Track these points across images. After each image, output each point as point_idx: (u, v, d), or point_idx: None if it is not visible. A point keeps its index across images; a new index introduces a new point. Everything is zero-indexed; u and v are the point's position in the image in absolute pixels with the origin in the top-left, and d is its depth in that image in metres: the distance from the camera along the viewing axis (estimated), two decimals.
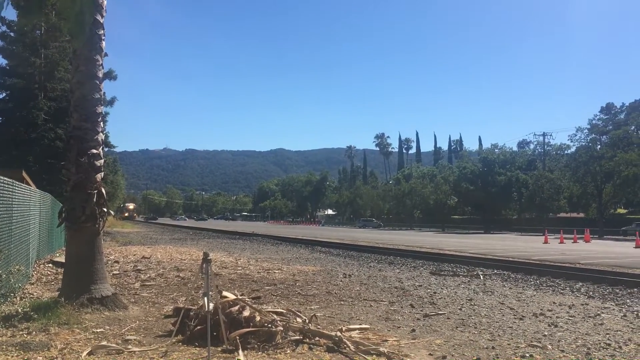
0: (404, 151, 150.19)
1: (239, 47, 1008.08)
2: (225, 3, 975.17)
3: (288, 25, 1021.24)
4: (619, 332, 7.60)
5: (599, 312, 9.29)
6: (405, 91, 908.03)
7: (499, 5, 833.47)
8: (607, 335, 7.36)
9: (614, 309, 9.74)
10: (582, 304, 10.24)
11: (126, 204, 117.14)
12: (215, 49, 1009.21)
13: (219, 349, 6.04)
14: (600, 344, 6.85)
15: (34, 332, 6.61)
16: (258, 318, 6.62)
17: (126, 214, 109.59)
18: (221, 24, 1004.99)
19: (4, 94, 36.65)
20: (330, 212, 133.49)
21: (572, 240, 36.28)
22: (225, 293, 7.53)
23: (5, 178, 8.58)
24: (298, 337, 6.44)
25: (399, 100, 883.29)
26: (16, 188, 9.81)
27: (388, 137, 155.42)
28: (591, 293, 11.98)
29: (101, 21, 8.98)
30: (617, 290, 12.30)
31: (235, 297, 7.33)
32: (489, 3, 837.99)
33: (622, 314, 9.19)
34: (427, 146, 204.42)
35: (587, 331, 7.63)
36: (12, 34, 35.57)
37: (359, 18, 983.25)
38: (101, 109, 9.04)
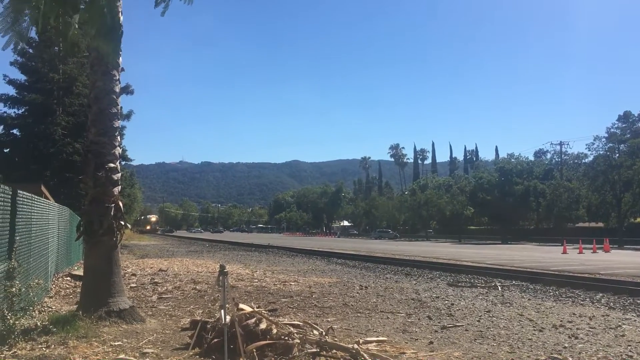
0: (419, 162, 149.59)
1: (253, 57, 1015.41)
2: (238, 8, 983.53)
3: (302, 34, 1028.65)
4: None
5: (620, 324, 9.15)
6: (419, 102, 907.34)
7: (523, 15, 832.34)
8: (629, 347, 7.24)
9: (635, 320, 9.58)
10: (603, 315, 10.09)
11: (149, 217, 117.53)
12: (230, 58, 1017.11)
13: None
14: (621, 355, 6.74)
15: (53, 346, 6.65)
16: (275, 331, 6.61)
17: (148, 227, 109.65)
18: (235, 30, 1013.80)
19: (23, 110, 37.14)
20: (345, 223, 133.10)
21: (592, 250, 35.80)
22: (241, 305, 7.53)
23: (24, 192, 8.68)
24: (315, 350, 6.41)
25: (412, 111, 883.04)
26: (35, 202, 9.93)
27: (403, 147, 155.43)
28: (612, 304, 11.80)
29: None
30: (639, 301, 12.09)
31: (251, 309, 7.32)
32: (504, 14, 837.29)
33: None
34: (442, 157, 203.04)
35: (608, 343, 7.51)
36: (30, 50, 36.18)
37: (375, 28, 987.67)
38: (118, 123, 9.14)
